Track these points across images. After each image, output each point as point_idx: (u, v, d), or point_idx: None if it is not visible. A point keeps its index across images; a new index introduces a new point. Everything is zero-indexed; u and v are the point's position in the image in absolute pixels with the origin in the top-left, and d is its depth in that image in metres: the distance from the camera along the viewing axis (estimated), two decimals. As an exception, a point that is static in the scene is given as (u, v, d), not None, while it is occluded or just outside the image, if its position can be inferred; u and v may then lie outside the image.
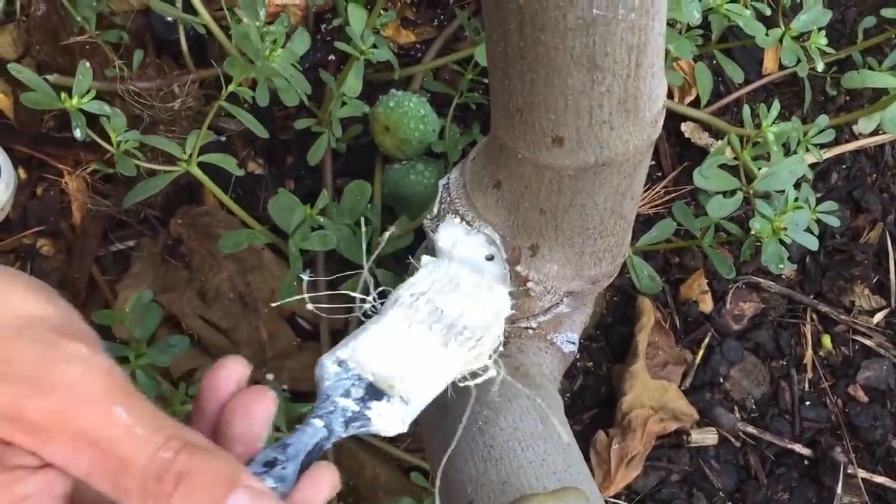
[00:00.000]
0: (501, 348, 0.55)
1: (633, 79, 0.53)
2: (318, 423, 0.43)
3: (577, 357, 0.99)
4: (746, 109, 0.86)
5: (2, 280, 0.35)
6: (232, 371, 0.40)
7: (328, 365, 0.47)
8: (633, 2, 0.49)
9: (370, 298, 0.55)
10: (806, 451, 0.99)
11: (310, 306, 0.96)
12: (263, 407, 0.39)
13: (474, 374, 0.53)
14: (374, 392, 0.46)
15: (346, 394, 0.46)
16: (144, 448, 0.33)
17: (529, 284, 0.67)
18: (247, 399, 0.39)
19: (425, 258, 0.57)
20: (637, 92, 0.55)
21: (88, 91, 0.71)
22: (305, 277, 0.57)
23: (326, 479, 0.39)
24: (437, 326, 0.52)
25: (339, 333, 0.94)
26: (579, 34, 0.50)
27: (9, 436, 0.33)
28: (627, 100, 0.55)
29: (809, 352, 1.02)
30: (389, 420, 0.46)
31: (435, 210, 0.70)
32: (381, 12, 0.90)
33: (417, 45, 1.08)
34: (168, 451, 0.33)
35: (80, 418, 0.33)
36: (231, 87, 0.73)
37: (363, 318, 0.54)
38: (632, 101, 0.55)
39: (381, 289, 0.56)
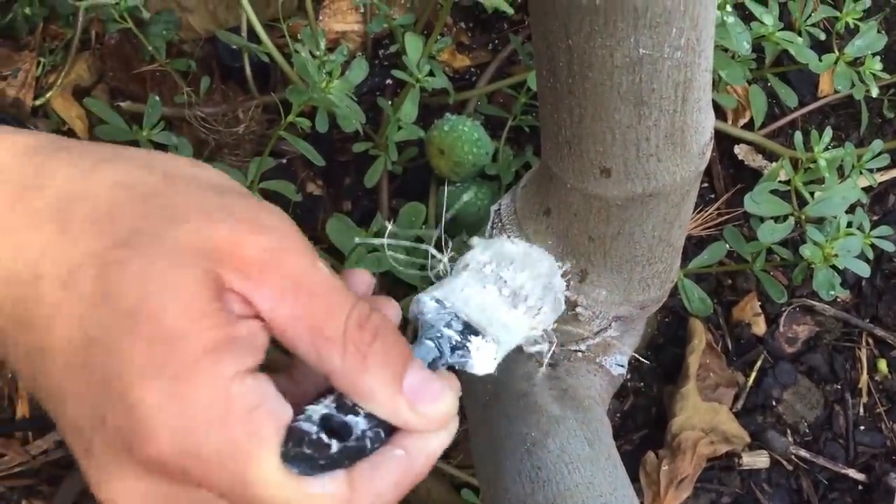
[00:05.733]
0: (552, 327, 0.57)
1: (679, 113, 0.55)
2: (430, 343, 0.45)
3: (628, 377, 1.00)
4: (798, 135, 0.87)
5: (184, 160, 0.37)
6: (363, 278, 0.41)
7: (427, 301, 0.49)
8: (679, 41, 0.51)
9: (445, 259, 0.57)
10: (860, 477, 0.98)
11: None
12: (394, 312, 0.41)
13: (534, 343, 0.57)
14: (471, 329, 0.49)
15: (448, 325, 0.48)
16: (346, 299, 0.35)
17: (578, 309, 0.69)
18: (380, 304, 0.40)
19: (475, 238, 0.59)
20: (684, 126, 0.56)
21: (158, 122, 0.75)
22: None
23: (452, 386, 0.40)
24: (506, 290, 0.55)
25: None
26: (626, 72, 0.52)
27: (224, 275, 0.33)
28: (674, 133, 0.56)
29: (864, 376, 1.01)
30: (484, 356, 0.48)
31: (487, 234, 0.72)
32: (438, 38, 0.92)
33: (472, 69, 1.10)
34: (365, 307, 0.35)
35: (290, 262, 0.34)
36: (290, 118, 0.77)
37: (434, 279, 0.56)
38: (679, 135, 0.56)
39: (452, 254, 0.58)
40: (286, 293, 0.34)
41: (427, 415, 0.36)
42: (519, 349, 0.73)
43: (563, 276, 0.68)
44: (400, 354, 0.36)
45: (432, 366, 0.44)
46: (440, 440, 0.37)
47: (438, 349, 0.45)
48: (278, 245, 0.34)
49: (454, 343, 0.47)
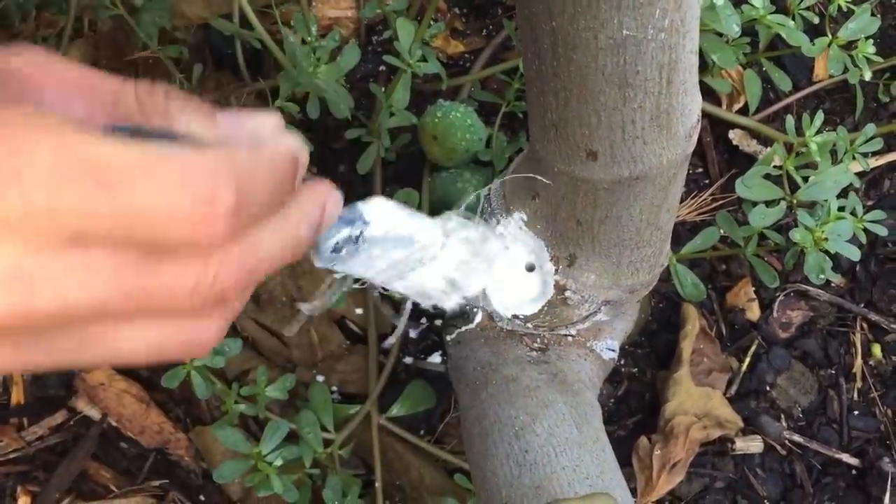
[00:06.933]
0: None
1: (665, 95, 0.55)
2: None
3: (622, 363, 1.00)
4: (789, 119, 0.86)
5: None
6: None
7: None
8: (663, 22, 0.51)
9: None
10: (854, 461, 0.98)
11: (359, 311, 0.98)
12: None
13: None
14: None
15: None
16: (124, 82, 0.34)
17: (567, 293, 0.69)
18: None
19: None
20: (670, 108, 0.56)
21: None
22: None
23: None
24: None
25: (387, 337, 0.97)
26: (610, 53, 0.52)
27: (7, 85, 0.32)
28: (660, 116, 0.56)
29: (859, 361, 1.01)
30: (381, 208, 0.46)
31: (476, 219, 0.72)
32: (431, 23, 0.92)
33: (466, 55, 1.10)
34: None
35: (59, 68, 0.33)
36: (278, 102, 0.77)
37: None
38: (664, 117, 0.56)
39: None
40: (70, 91, 0.33)
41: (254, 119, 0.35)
42: (511, 334, 0.73)
43: (550, 260, 0.68)
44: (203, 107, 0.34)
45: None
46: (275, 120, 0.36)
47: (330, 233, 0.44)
48: (43, 59, 0.33)
49: (345, 218, 0.45)
